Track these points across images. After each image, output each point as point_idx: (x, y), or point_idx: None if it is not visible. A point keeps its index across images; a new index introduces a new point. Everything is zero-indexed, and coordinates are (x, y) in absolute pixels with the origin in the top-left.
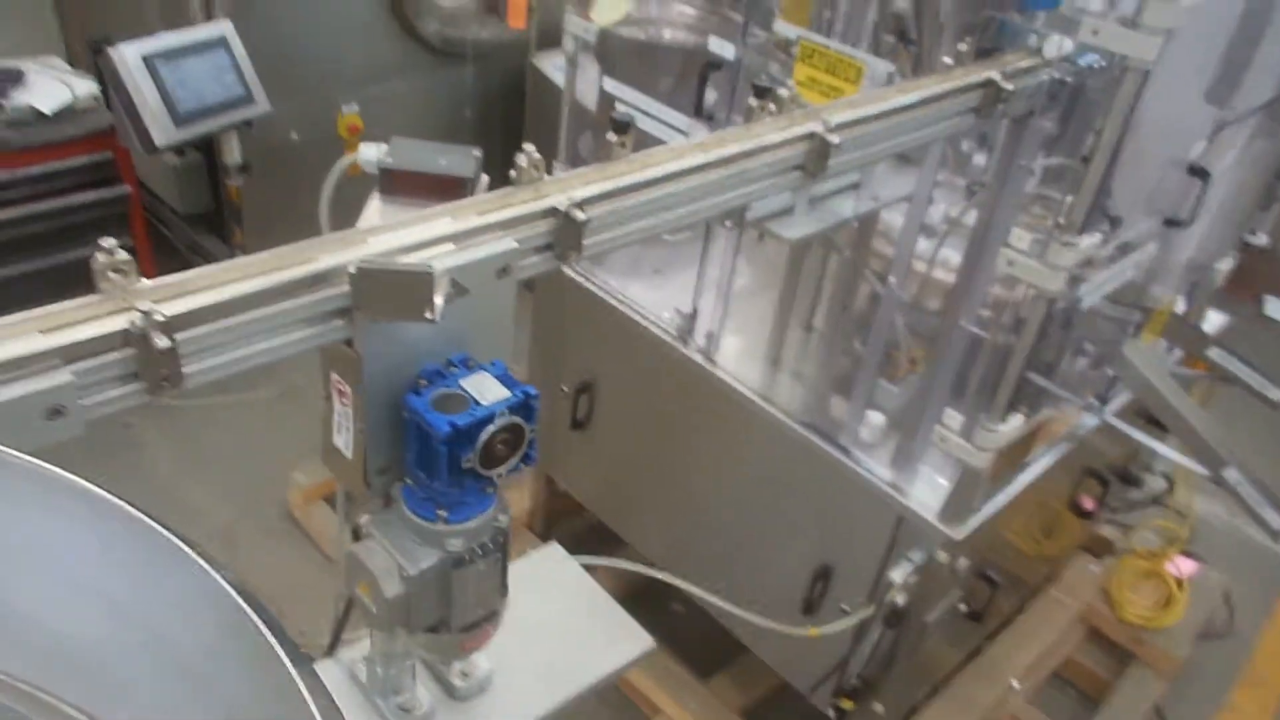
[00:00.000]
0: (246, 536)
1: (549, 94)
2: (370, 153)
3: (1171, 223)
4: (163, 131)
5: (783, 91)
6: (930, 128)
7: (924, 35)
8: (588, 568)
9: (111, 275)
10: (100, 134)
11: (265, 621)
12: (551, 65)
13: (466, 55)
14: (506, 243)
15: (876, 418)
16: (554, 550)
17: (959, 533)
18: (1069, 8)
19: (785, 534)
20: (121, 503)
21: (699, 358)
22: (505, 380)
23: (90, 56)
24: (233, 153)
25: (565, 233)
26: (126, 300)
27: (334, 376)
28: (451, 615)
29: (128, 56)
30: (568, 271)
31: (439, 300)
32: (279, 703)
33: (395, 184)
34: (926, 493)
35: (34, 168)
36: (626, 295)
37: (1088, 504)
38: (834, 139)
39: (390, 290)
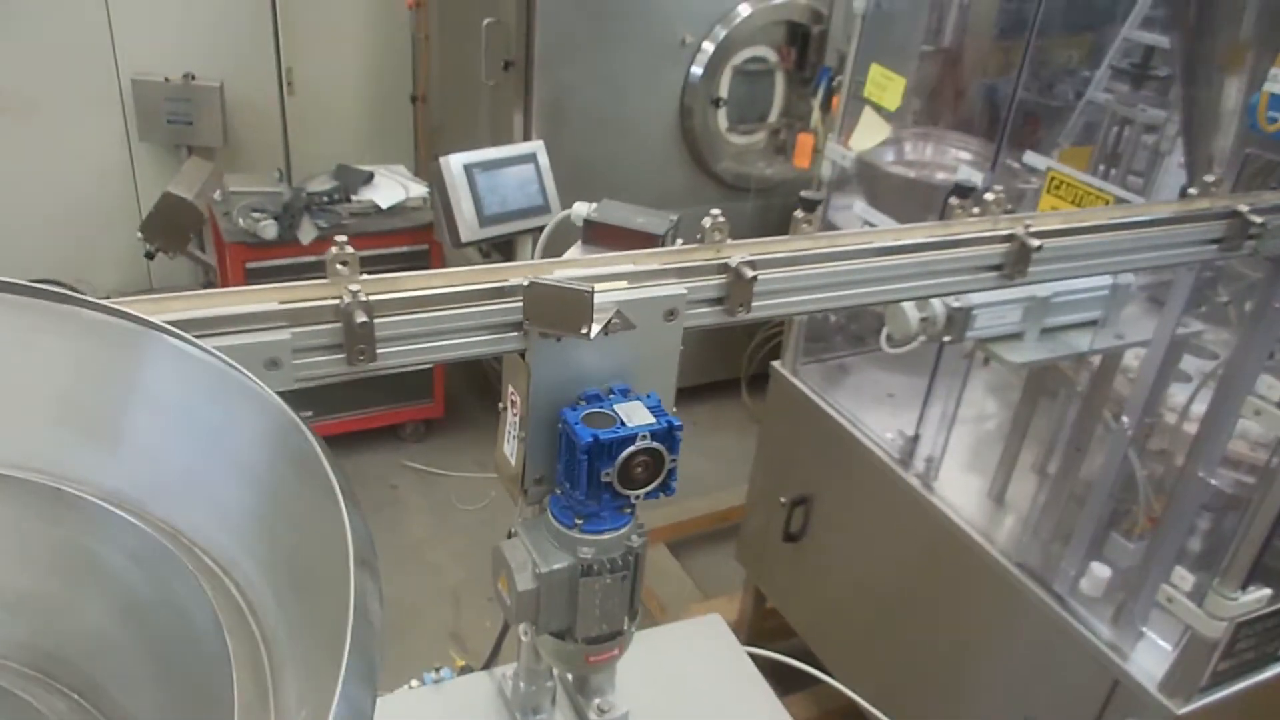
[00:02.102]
0: (469, 598)
1: None
2: (581, 209)
3: None
4: (469, 229)
5: (988, 196)
6: (1159, 252)
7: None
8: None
9: (339, 267)
10: (421, 228)
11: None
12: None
13: (750, 189)
14: (676, 288)
15: (1101, 570)
16: (714, 620)
17: (1180, 707)
18: None
19: (993, 680)
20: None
21: (917, 483)
22: (655, 410)
23: (429, 166)
24: (526, 254)
25: (735, 288)
26: (343, 286)
27: (509, 387)
28: (577, 623)
29: (453, 164)
30: (800, 386)
31: (597, 325)
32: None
33: (595, 235)
34: (1149, 659)
35: (363, 251)
36: (854, 415)
37: None
38: (1034, 242)
39: (554, 305)
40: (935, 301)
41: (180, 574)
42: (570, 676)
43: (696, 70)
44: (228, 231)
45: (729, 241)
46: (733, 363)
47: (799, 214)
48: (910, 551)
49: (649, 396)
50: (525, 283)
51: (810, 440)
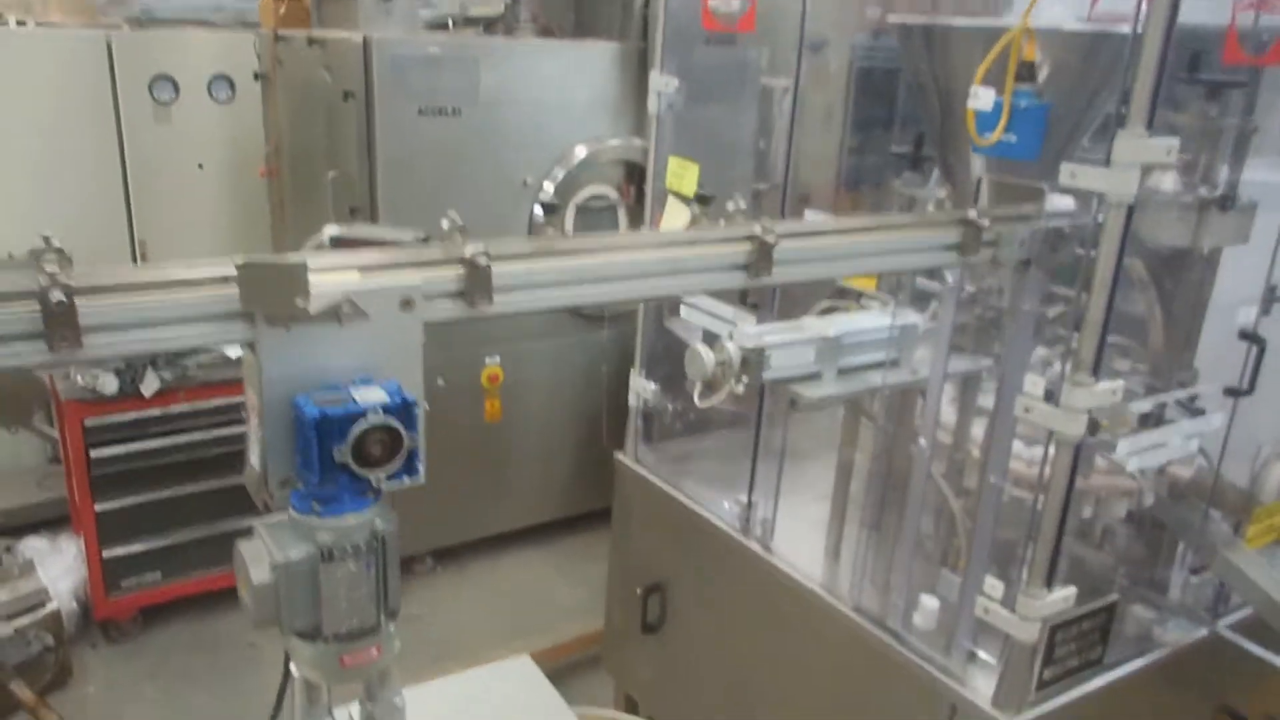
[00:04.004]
0: None
1: (678, 346)
2: (332, 230)
3: (1232, 392)
4: None
5: (729, 206)
6: (903, 256)
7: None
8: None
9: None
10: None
11: None
12: (681, 326)
13: (604, 317)
14: (409, 278)
15: (930, 601)
16: (524, 662)
17: (1012, 719)
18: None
19: None
20: None
21: (757, 547)
22: (391, 390)
23: None
24: None
25: (473, 280)
26: (40, 270)
27: (248, 390)
28: (323, 618)
29: None
30: (642, 473)
31: (320, 303)
32: None
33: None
34: (981, 679)
35: (210, 401)
36: (695, 493)
37: None
38: (771, 239)
39: (269, 282)
40: (729, 344)
41: None
42: (355, 717)
43: (538, 210)
44: (65, 390)
45: (471, 241)
46: (607, 491)
47: (540, 217)
48: (759, 616)
49: (388, 383)
50: (237, 261)
51: (657, 525)
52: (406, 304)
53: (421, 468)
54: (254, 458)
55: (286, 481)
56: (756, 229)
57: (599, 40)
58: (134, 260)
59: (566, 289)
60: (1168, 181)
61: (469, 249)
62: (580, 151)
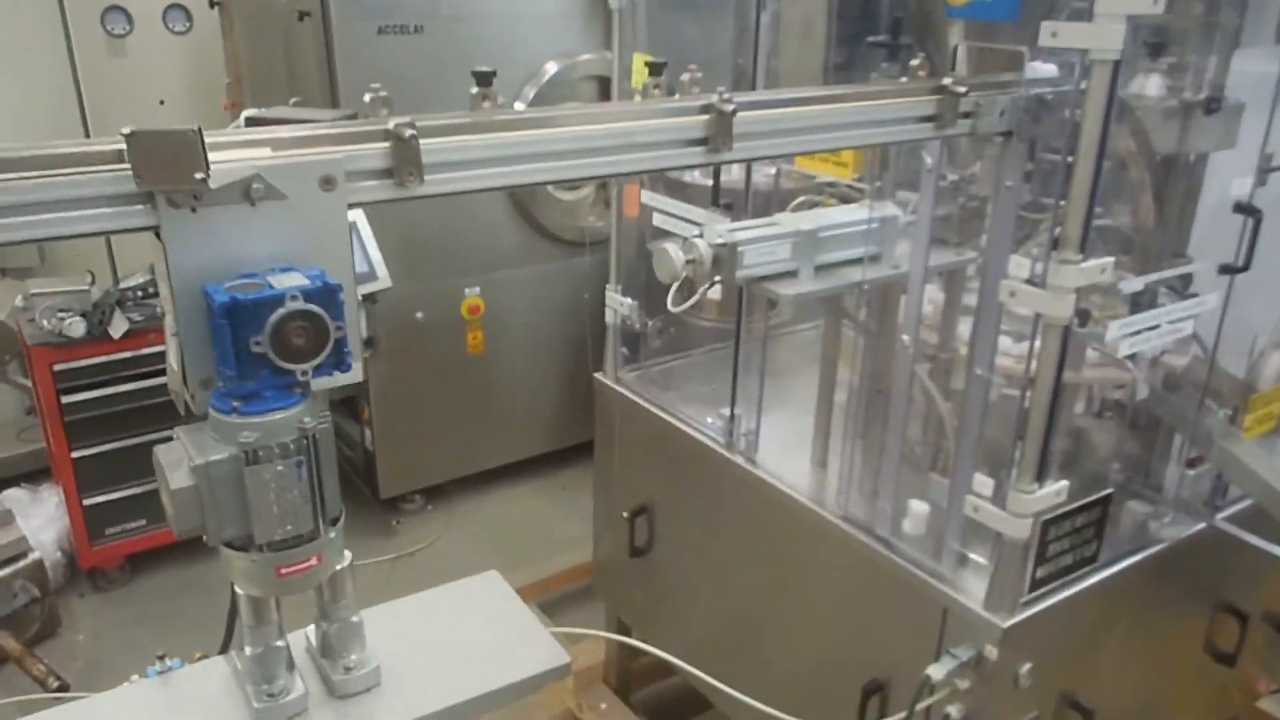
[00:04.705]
0: None
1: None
2: (249, 112)
3: (1227, 269)
4: None
5: (684, 76)
6: (873, 129)
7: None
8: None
9: None
10: None
11: None
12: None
13: (586, 243)
14: (329, 154)
15: (920, 506)
16: (492, 576)
17: (1005, 620)
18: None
19: (837, 638)
20: None
21: (741, 460)
22: (312, 276)
23: None
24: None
25: (401, 156)
26: None
27: (160, 285)
28: (254, 525)
29: None
30: (624, 392)
31: (224, 179)
32: None
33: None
34: (972, 581)
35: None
36: (678, 410)
37: (1223, 646)
38: (728, 108)
39: (163, 155)
40: (699, 241)
41: None
42: (312, 638)
43: None
44: (32, 335)
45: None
46: None
47: (474, 90)
48: (747, 532)
49: (311, 269)
50: (125, 131)
51: (640, 446)
52: (327, 182)
53: (354, 362)
54: (172, 358)
55: (207, 382)
56: (713, 98)
57: None
58: None
59: (506, 167)
60: (1152, 86)
61: (393, 121)
62: (551, 68)
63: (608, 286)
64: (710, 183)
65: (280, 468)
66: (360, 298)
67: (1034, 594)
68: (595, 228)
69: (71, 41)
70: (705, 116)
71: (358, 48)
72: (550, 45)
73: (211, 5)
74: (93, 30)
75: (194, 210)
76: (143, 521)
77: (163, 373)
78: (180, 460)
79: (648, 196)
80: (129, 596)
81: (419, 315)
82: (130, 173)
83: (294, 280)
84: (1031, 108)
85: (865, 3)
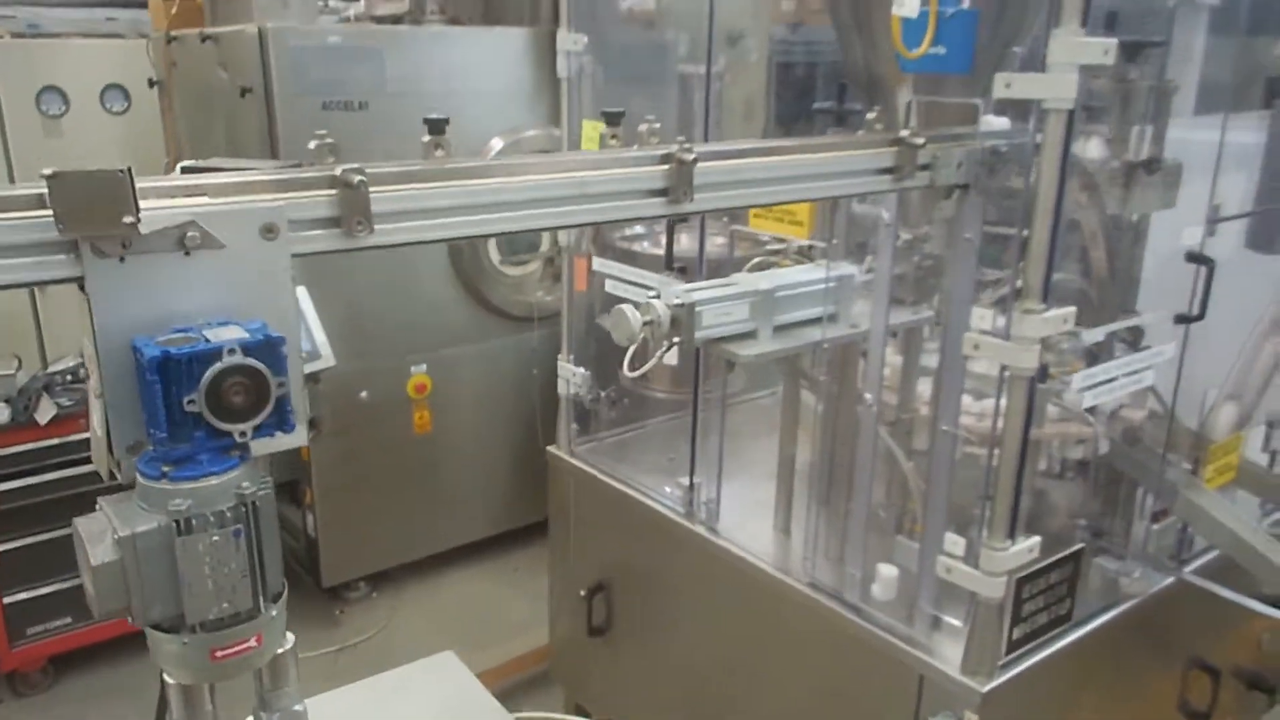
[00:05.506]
0: None
1: (609, 341)
2: (186, 163)
3: (1183, 319)
4: None
5: (641, 128)
6: (834, 181)
7: None
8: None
9: None
10: None
11: None
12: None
13: (534, 318)
14: (269, 202)
15: (889, 570)
16: (448, 657)
17: (984, 684)
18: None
19: (809, 709)
20: None
21: (703, 530)
22: (252, 329)
23: None
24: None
25: (349, 204)
26: None
27: (84, 342)
28: (185, 603)
29: None
30: (579, 465)
31: (155, 224)
32: None
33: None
34: (947, 646)
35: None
36: (634, 480)
37: (1196, 704)
38: (688, 157)
39: (88, 198)
40: (656, 302)
41: None
42: None
43: None
44: None
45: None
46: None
47: (426, 138)
48: (710, 604)
49: (251, 323)
50: (46, 172)
51: (596, 519)
52: (269, 230)
53: (298, 423)
54: (96, 422)
55: (136, 446)
56: (673, 148)
57: (510, 26)
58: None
59: (460, 217)
60: (1093, 149)
61: (340, 168)
62: (497, 144)
63: (559, 357)
64: (660, 252)
65: (216, 538)
66: (304, 377)
67: (1011, 655)
68: (544, 303)
69: (5, 122)
70: (665, 166)
71: (301, 123)
72: (496, 122)
73: (151, 85)
74: (27, 109)
75: (122, 260)
76: (68, 619)
77: (92, 460)
78: (103, 532)
79: (599, 264)
80: (52, 701)
81: (364, 395)
82: (51, 219)
83: (232, 334)
84: (987, 159)
85: (806, 77)
